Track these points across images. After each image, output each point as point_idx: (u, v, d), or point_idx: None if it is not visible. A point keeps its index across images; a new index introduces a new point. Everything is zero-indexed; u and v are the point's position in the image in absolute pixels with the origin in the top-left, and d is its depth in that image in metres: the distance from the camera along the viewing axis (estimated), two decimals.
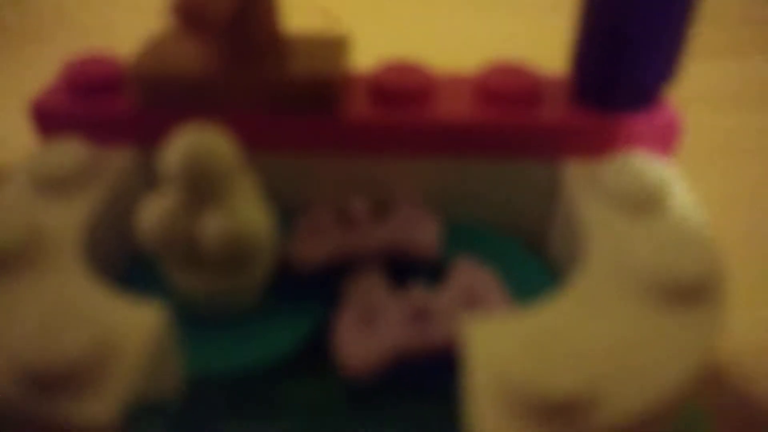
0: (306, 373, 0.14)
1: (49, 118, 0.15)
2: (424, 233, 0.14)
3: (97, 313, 0.11)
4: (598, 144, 0.14)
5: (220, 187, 0.13)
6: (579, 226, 0.13)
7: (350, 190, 0.15)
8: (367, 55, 0.17)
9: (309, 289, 0.14)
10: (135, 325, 0.11)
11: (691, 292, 0.11)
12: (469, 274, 0.14)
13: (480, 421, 0.10)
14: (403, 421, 0.13)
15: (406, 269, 0.14)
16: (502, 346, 0.11)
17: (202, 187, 0.12)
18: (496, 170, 0.15)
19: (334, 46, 0.15)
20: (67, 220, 0.13)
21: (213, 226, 0.12)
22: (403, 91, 0.15)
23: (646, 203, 0.13)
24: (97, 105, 0.15)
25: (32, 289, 0.12)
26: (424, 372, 0.13)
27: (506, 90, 0.15)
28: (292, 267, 0.14)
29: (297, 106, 0.15)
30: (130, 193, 0.15)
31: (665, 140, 0.14)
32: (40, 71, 0.17)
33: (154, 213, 0.13)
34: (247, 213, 0.13)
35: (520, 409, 0.10)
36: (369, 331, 0.13)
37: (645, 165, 0.14)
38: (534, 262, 0.15)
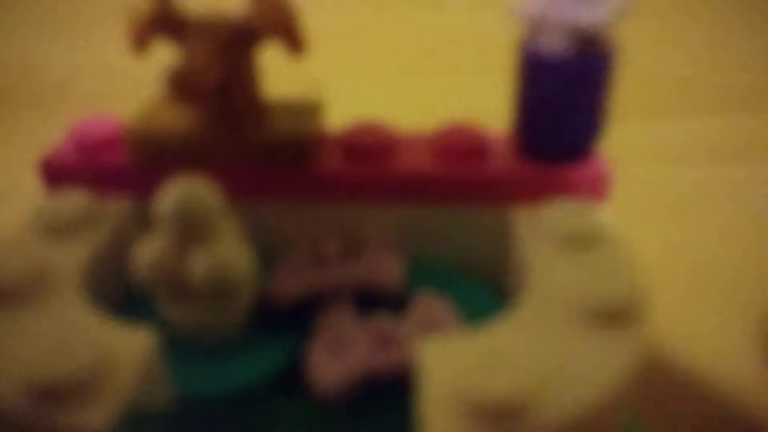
0: (284, 395, 0.15)
1: (56, 174, 0.17)
2: (389, 270, 0.16)
3: (95, 338, 0.12)
4: (540, 192, 0.16)
5: (206, 230, 0.14)
6: (524, 262, 0.15)
7: (324, 233, 0.17)
8: (342, 114, 0.19)
9: (287, 321, 0.15)
10: (128, 347, 0.12)
11: (616, 315, 0.13)
12: (428, 305, 0.15)
13: (430, 424, 0.11)
14: None
15: (373, 301, 0.16)
16: (452, 361, 0.12)
17: (190, 230, 0.14)
18: (453, 216, 0.17)
19: (309, 108, 0.17)
20: (71, 259, 0.15)
21: (200, 264, 0.14)
22: (369, 147, 0.17)
23: (581, 242, 0.15)
24: (98, 161, 0.17)
25: (41, 317, 0.13)
26: (391, 391, 0.14)
27: (459, 146, 0.17)
28: (271, 301, 0.16)
29: (276, 161, 0.17)
30: (127, 237, 0.16)
31: (597, 188, 0.16)
32: (44, 134, 0.19)
33: (147, 253, 0.14)
34: (230, 253, 0.14)
35: (465, 415, 0.11)
36: (338, 356, 0.14)
37: (580, 209, 0.16)
38: (485, 293, 0.16)
